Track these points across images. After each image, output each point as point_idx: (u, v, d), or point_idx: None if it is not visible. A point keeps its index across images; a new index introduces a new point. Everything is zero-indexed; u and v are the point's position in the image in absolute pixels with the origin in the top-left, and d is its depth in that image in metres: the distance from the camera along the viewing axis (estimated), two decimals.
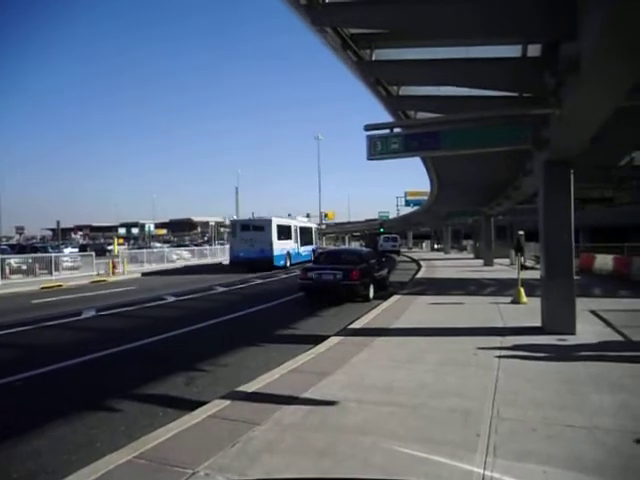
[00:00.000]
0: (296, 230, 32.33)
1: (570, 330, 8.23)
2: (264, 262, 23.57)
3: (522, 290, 12.14)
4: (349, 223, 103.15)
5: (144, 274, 26.46)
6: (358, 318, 10.52)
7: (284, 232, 29.87)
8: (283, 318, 11.48)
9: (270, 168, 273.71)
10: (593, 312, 10.25)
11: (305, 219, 41.00)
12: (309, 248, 34.36)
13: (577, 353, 7.03)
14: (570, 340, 7.86)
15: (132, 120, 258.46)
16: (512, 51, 7.86)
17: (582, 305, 10.03)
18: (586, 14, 4.90)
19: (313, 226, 39.34)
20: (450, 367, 6.41)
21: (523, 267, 21.59)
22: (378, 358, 6.99)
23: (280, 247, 28.44)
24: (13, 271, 21.52)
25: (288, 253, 29.71)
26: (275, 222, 28.52)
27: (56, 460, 4.17)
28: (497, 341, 7.86)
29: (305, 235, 34.37)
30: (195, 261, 36.65)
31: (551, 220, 8.60)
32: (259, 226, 28.06)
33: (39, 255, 23.86)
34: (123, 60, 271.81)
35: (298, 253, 31.71)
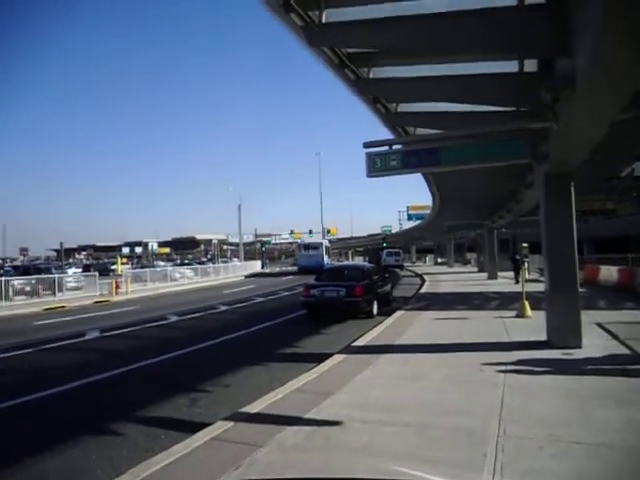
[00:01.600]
0: (326, 247, 49.35)
1: (576, 344, 8.15)
2: (319, 268, 27.26)
3: (527, 304, 12.06)
4: (352, 238, 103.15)
5: (152, 297, 26.44)
6: (362, 335, 10.45)
7: (325, 249, 47.13)
8: (286, 336, 11.42)
9: (272, 186, 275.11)
10: (599, 325, 10.16)
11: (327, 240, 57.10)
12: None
13: (583, 367, 6.96)
14: (576, 354, 7.78)
15: (138, 146, 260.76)
16: (509, 66, 7.93)
17: (588, 318, 9.95)
18: (581, 31, 4.94)
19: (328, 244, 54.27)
20: (455, 384, 6.34)
21: (518, 280, 21.62)
22: (382, 376, 6.93)
23: (325, 259, 44.90)
24: (17, 292, 21.49)
25: (326, 263, 41.95)
26: (324, 243, 48.96)
27: None
28: (502, 356, 7.78)
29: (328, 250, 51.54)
30: (198, 280, 36.44)
31: (553, 232, 8.58)
32: (315, 246, 47.28)
33: (43, 276, 23.83)
34: (134, 80, 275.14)
35: (329, 263, 43.75)
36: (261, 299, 21.59)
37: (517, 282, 21.78)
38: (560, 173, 8.41)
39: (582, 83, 5.20)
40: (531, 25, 6.01)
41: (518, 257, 22.60)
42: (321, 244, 47.51)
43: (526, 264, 21.26)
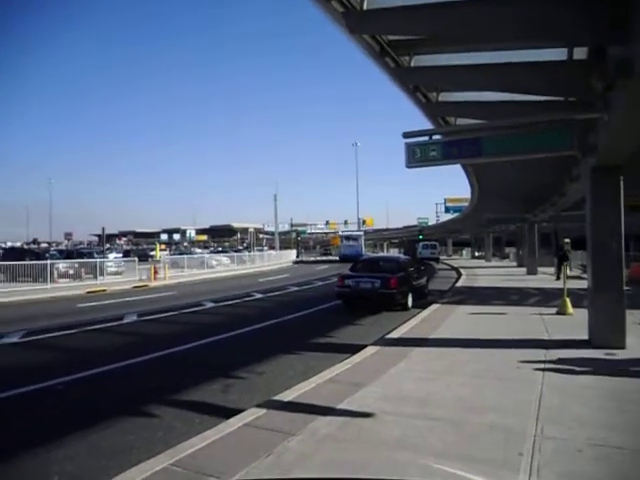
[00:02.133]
0: (363, 238, 55.47)
1: (619, 344, 7.85)
2: (358, 257, 28.57)
3: (568, 301, 11.70)
4: (387, 230, 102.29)
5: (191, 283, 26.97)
6: (396, 327, 10.37)
7: (363, 240, 54.42)
8: (320, 326, 11.44)
9: (308, 175, 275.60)
10: None
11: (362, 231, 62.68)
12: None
13: (627, 368, 6.70)
14: (619, 355, 7.50)
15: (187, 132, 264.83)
16: (556, 54, 7.61)
17: (632, 318, 9.58)
18: (638, 14, 4.69)
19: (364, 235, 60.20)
20: (491, 380, 6.21)
21: (558, 278, 20.97)
22: (416, 369, 6.85)
23: (363, 249, 51.21)
24: (61, 275, 22.27)
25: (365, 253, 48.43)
26: (362, 235, 55.46)
27: (93, 465, 4.25)
28: (541, 354, 7.57)
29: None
30: (234, 268, 36.90)
31: (599, 228, 8.26)
32: (355, 237, 53.33)
33: (85, 260, 24.64)
34: (174, 73, 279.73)
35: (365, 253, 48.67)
36: (295, 288, 21.72)
37: (558, 278, 21.17)
38: (608, 166, 8.06)
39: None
40: (583, 11, 5.74)
41: (562, 252, 21.97)
42: (360, 236, 54.13)
43: (567, 260, 20.62)
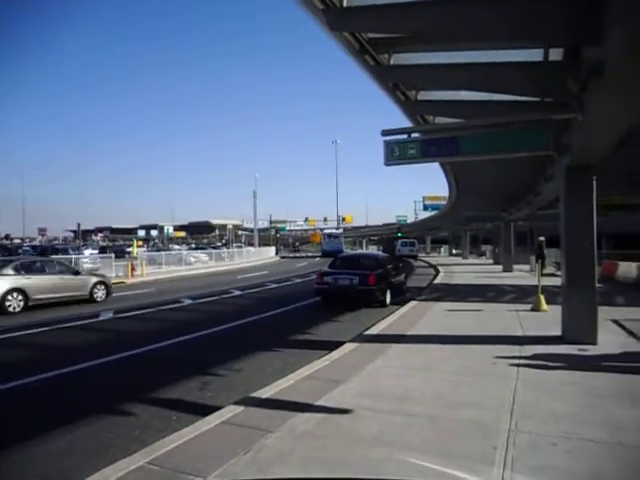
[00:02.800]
0: (342, 236, 64.51)
1: (591, 340, 8.03)
2: (338, 252, 32.23)
3: (542, 297, 11.92)
4: (367, 227, 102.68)
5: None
6: (374, 324, 10.43)
7: (343, 238, 63.33)
8: (299, 323, 11.45)
9: (288, 172, 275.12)
10: (615, 321, 10.00)
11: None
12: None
13: (598, 364, 6.86)
14: (591, 350, 7.67)
15: (156, 123, 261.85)
16: (533, 55, 7.72)
17: (604, 314, 9.81)
18: (612, 18, 4.78)
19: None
20: (467, 376, 6.30)
21: (543, 274, 21.35)
22: (394, 366, 6.90)
23: (343, 246, 58.66)
24: None
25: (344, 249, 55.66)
26: (342, 234, 64.78)
27: (68, 464, 4.18)
28: (516, 350, 7.71)
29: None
30: (213, 265, 36.65)
31: (572, 226, 8.43)
32: (336, 235, 62.48)
33: (60, 257, 24.16)
34: (147, 60, 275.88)
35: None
36: (274, 285, 21.67)
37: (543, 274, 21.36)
38: (582, 166, 8.22)
39: (612, 72, 5.03)
40: (559, 13, 5.83)
41: (539, 251, 22.31)
42: (340, 234, 64.31)
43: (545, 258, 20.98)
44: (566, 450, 3.98)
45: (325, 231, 69.86)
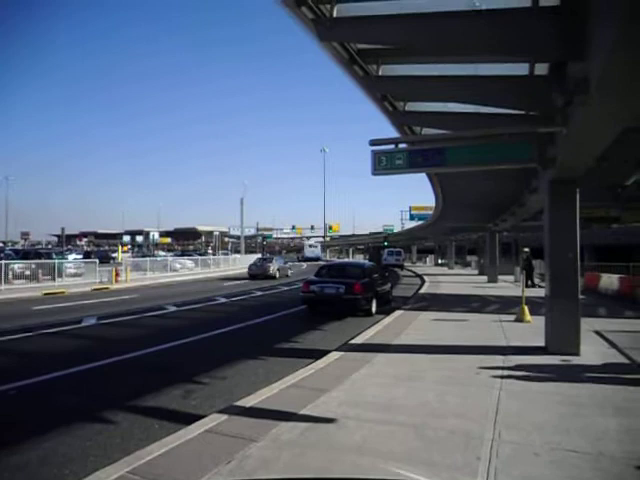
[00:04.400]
0: (322, 246, 71.93)
1: (574, 351, 8.12)
2: (317, 259, 41.50)
3: (526, 308, 12.02)
4: (354, 236, 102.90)
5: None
6: (359, 333, 10.43)
7: (321, 247, 75.41)
8: (284, 331, 11.40)
9: (275, 179, 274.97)
10: (598, 333, 10.12)
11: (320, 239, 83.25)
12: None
13: (581, 374, 6.92)
14: (574, 361, 7.74)
15: (142, 133, 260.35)
16: (519, 69, 7.84)
17: (587, 325, 9.92)
18: (595, 33, 4.88)
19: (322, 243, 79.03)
20: (451, 386, 6.31)
21: (534, 285, 21.56)
22: (378, 375, 6.90)
23: (321, 254, 70.33)
24: (16, 276, 21.48)
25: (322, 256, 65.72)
26: (320, 243, 79.48)
27: (46, 474, 4.10)
28: (499, 360, 7.75)
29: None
30: (199, 271, 36.43)
31: (556, 238, 8.53)
32: (315, 245, 75.97)
33: (43, 261, 23.79)
34: (135, 70, 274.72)
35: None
36: (260, 293, 21.57)
37: (533, 285, 21.60)
38: (566, 179, 8.35)
39: (596, 87, 5.13)
40: (544, 28, 5.94)
41: (527, 262, 22.56)
42: (319, 243, 78.36)
43: (526, 270, 21.19)
44: (549, 460, 4.00)
45: (305, 242, 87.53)
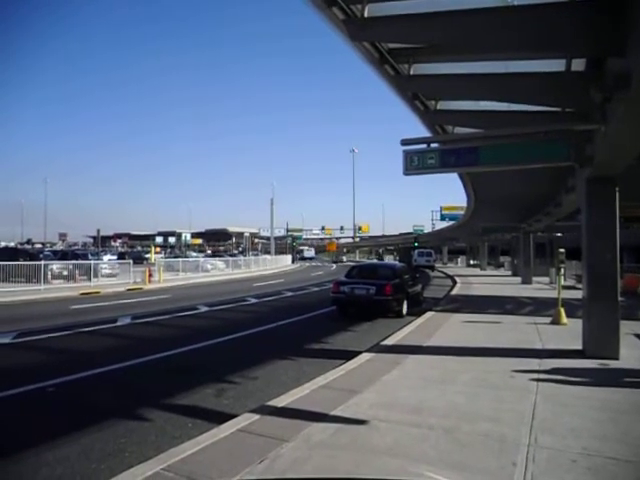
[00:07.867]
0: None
1: (613, 354, 7.87)
2: (313, 259, 38.04)
3: (562, 310, 11.73)
4: (383, 236, 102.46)
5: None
6: (390, 335, 10.36)
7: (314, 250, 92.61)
8: (314, 332, 11.41)
9: (305, 180, 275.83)
10: (638, 336, 9.80)
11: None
12: None
13: (620, 379, 6.71)
14: (613, 365, 7.51)
15: (176, 138, 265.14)
16: (554, 65, 7.65)
17: (626, 328, 9.60)
18: (636, 29, 4.72)
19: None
20: (484, 389, 6.20)
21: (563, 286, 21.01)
22: (410, 377, 6.83)
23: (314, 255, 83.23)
24: (55, 276, 22.14)
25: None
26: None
27: (85, 468, 4.20)
28: (535, 363, 7.58)
29: None
30: (229, 272, 36.83)
31: (595, 239, 8.29)
32: (310, 249, 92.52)
33: (79, 262, 24.45)
34: (174, 60, 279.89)
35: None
36: (290, 293, 21.68)
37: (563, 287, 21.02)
38: (604, 177, 8.11)
39: (638, 84, 4.96)
40: (581, 24, 5.79)
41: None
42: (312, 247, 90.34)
43: (562, 270, 20.68)
44: (586, 467, 3.88)
45: (304, 248, 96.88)
